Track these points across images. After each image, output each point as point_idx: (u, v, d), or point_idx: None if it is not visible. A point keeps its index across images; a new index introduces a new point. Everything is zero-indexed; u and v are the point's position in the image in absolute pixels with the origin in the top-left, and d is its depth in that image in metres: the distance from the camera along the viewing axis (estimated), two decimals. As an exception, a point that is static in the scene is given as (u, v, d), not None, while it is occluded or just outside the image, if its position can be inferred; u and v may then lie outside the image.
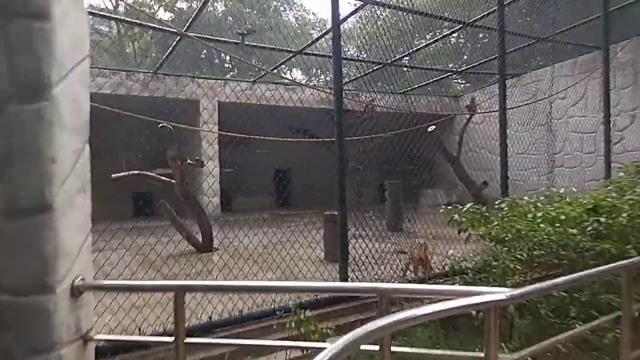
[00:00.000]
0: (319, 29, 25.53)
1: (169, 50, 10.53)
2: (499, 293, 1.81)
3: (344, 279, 4.71)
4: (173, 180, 7.67)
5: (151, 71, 13.00)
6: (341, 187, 4.63)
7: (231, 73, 20.81)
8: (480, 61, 13.23)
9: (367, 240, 5.70)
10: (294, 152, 17.77)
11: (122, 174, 7.31)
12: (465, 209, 4.16)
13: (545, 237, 3.41)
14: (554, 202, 4.29)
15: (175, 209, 8.02)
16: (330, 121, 4.91)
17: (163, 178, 7.72)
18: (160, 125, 6.83)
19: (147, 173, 7.67)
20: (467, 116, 13.79)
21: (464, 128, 12.92)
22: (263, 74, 13.26)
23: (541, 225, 3.65)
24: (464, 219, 4.16)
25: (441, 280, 4.53)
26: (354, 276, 5.03)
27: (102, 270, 4.50)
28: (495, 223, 3.83)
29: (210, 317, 4.10)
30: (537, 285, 2.03)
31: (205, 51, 21.09)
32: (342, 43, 4.61)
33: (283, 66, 14.31)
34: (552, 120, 14.57)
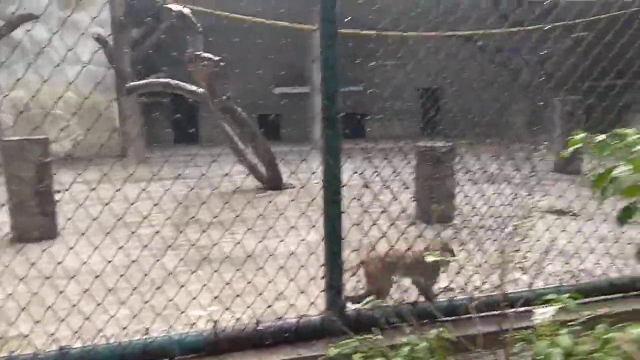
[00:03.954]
0: None
1: None
2: None
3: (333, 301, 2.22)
4: (202, 91, 5.63)
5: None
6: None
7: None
8: None
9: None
10: (444, 64, 14.28)
11: (138, 82, 5.59)
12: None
13: None
14: None
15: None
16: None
17: (192, 88, 5.73)
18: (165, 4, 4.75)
19: (172, 81, 5.76)
20: None
21: None
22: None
23: None
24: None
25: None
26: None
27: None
28: None
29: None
30: None
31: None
32: None
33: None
34: None
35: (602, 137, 1.49)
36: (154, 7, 5.02)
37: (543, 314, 1.31)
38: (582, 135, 1.55)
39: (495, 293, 2.34)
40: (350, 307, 2.33)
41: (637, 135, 1.37)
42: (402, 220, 2.52)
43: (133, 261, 2.22)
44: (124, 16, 10.22)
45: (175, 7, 5.08)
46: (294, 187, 6.36)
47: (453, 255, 2.44)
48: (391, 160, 2.53)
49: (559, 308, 1.38)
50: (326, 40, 2.06)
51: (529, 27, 7.21)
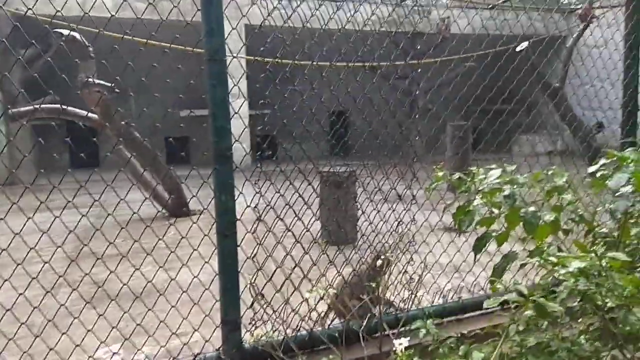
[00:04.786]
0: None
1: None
2: None
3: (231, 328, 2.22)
4: (94, 117, 5.36)
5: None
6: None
7: None
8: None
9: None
10: (352, 90, 14.85)
11: (24, 108, 5.21)
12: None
13: None
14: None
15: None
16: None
17: (84, 113, 5.42)
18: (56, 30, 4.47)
19: (62, 107, 5.40)
20: (579, 32, 9.94)
21: (574, 44, 9.17)
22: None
23: None
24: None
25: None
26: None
27: None
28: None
29: None
30: None
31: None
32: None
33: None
34: None
35: (457, 174, 1.67)
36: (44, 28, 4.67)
37: (400, 344, 1.43)
38: (443, 172, 1.73)
39: (394, 311, 2.50)
40: (248, 341, 2.33)
41: (483, 175, 1.56)
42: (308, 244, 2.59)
43: (7, 310, 2.05)
44: (10, 36, 9.46)
45: (65, 31, 4.79)
46: (201, 213, 6.22)
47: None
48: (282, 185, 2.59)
49: (426, 331, 1.52)
50: (212, 80, 2.09)
51: (425, 61, 7.85)
